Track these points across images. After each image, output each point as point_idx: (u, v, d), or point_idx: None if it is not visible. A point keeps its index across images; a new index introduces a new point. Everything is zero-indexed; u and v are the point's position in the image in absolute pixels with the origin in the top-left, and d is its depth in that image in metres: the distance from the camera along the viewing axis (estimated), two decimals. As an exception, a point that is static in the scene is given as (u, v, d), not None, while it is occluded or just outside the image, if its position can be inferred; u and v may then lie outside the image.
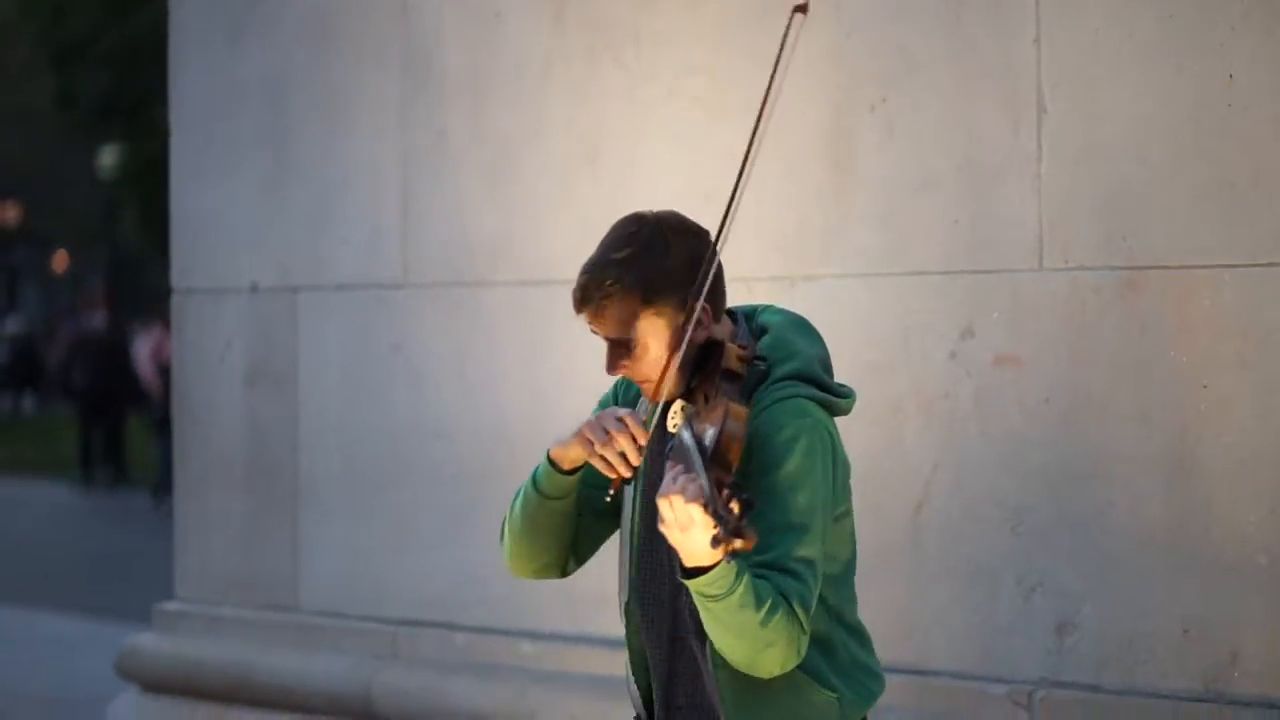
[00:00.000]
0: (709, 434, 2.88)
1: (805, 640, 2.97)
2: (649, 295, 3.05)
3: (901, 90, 4.46)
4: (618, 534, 3.24)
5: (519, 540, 3.21)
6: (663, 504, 2.81)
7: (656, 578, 3.14)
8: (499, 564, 3.29)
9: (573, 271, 5.09)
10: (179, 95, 5.90)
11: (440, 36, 5.27)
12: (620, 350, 3.07)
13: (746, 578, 2.87)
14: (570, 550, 3.25)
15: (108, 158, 25.67)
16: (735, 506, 2.69)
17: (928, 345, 4.39)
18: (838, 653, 3.13)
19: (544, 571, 3.26)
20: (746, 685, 3.04)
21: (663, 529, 2.83)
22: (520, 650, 5.10)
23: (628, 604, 3.18)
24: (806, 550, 2.97)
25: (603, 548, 3.28)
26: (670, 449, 2.94)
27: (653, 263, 3.06)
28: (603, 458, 3.00)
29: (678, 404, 3.05)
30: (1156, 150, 4.11)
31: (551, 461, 3.13)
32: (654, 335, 3.06)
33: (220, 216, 5.76)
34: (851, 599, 3.18)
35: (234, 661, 5.64)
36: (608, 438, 2.99)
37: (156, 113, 20.45)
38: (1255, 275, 3.99)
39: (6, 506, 16.79)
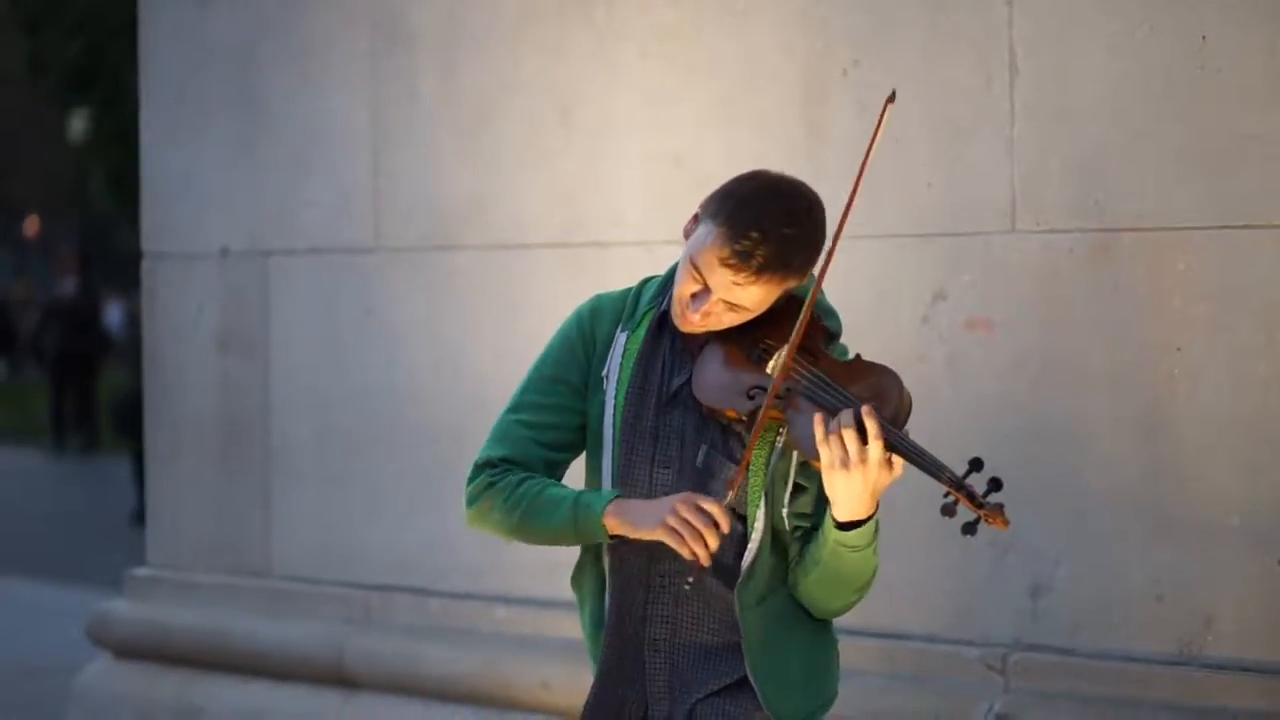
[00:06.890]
0: (881, 403, 2.96)
1: None
2: (796, 276, 3.09)
3: (874, 52, 4.44)
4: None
5: (516, 539, 3.19)
6: (876, 446, 2.90)
7: None
8: (472, 530, 3.27)
9: (545, 234, 5.03)
10: (149, 58, 5.85)
11: (411, -4, 5.24)
12: (726, 306, 3.07)
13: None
14: None
15: (78, 122, 25.51)
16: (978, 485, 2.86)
17: (900, 308, 4.38)
18: None
19: None
20: (773, 625, 3.12)
21: (843, 468, 2.91)
22: (494, 615, 5.09)
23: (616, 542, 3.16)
24: None
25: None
26: (778, 395, 3.01)
27: (813, 251, 3.10)
28: (691, 550, 3.01)
29: (782, 351, 3.06)
30: (1129, 112, 4.10)
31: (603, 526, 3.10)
32: (767, 302, 3.09)
33: (191, 180, 5.72)
34: None
35: (206, 627, 5.62)
36: (696, 533, 3.00)
37: (127, 77, 20.32)
38: (1228, 237, 3.98)
39: (-22, 472, 16.75)
